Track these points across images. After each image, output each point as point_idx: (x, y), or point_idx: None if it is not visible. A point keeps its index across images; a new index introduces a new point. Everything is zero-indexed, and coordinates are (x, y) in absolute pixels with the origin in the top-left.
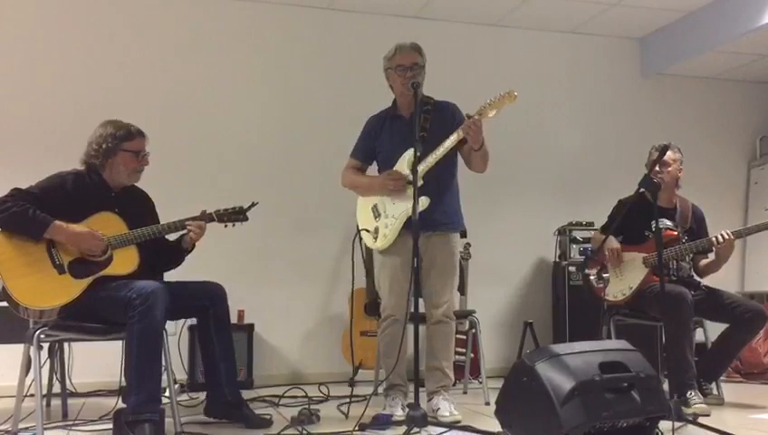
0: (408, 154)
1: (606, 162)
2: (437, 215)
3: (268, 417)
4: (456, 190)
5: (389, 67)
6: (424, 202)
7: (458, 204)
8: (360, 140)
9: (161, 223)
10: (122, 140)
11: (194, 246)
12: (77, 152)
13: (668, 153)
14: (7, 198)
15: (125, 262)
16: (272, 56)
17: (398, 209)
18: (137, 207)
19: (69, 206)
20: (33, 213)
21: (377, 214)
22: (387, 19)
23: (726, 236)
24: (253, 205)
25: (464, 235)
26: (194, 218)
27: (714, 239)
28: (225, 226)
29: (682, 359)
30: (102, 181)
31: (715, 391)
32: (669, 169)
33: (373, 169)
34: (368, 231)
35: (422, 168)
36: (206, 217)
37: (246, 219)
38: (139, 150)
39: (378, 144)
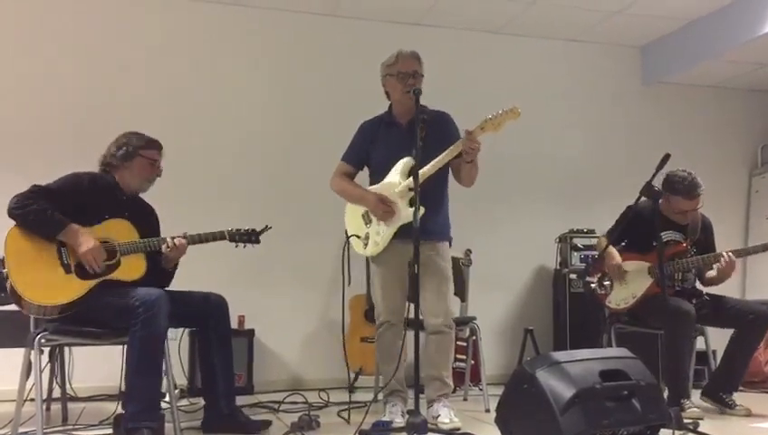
0: (402, 163)
1: (607, 170)
2: (429, 224)
3: (269, 421)
4: (446, 201)
5: (389, 73)
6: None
7: (447, 215)
8: (352, 144)
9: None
10: (141, 148)
11: (176, 265)
12: (79, 154)
13: (699, 200)
14: (28, 194)
15: (132, 269)
16: (274, 62)
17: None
18: (142, 217)
19: (82, 205)
20: (50, 214)
21: (368, 220)
22: (389, 26)
23: (728, 259)
24: (266, 228)
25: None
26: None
27: (715, 258)
28: (237, 246)
29: (680, 371)
30: (116, 184)
31: (738, 402)
32: (695, 211)
33: (364, 174)
34: (358, 237)
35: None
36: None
37: (258, 242)
38: (155, 158)
39: (372, 150)
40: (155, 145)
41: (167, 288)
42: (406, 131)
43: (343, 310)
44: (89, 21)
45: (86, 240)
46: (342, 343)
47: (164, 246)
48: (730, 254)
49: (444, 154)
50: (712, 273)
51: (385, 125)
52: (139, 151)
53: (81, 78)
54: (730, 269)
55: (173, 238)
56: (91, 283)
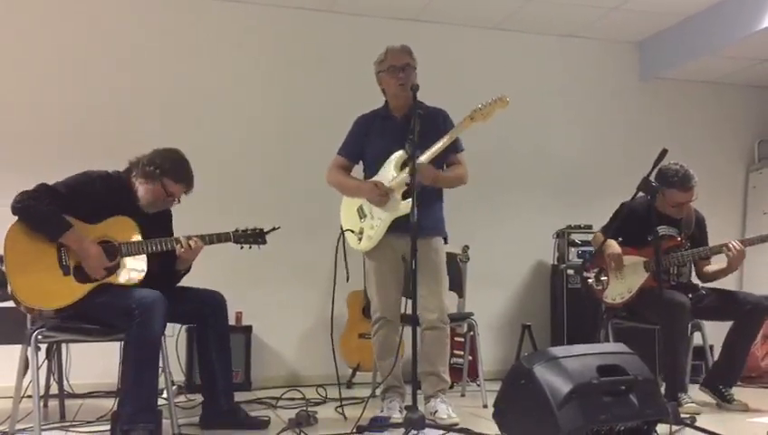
0: (396, 156)
1: (604, 165)
2: (422, 219)
3: (266, 419)
4: (439, 198)
5: (381, 70)
6: (409, 205)
7: (441, 211)
8: (348, 138)
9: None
10: (167, 176)
11: (189, 267)
12: (79, 154)
13: (694, 192)
14: (33, 193)
15: (131, 272)
16: (271, 59)
17: (385, 211)
18: (155, 218)
19: (92, 206)
20: (54, 215)
21: (362, 215)
22: (386, 22)
23: (739, 247)
24: (273, 229)
25: (444, 241)
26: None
27: (725, 248)
28: (242, 247)
29: (676, 364)
30: (130, 189)
31: (736, 397)
32: (690, 204)
33: (359, 169)
34: (352, 232)
35: (408, 171)
36: (211, 239)
37: (265, 242)
38: (173, 193)
39: (366, 144)
40: (183, 181)
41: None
42: (400, 125)
43: (333, 304)
44: (88, 21)
45: (88, 247)
46: (331, 338)
47: (177, 247)
48: (736, 243)
49: (434, 148)
50: (712, 266)
51: (380, 119)
52: (163, 179)
53: (81, 78)
54: (740, 260)
55: (187, 239)
56: (89, 286)
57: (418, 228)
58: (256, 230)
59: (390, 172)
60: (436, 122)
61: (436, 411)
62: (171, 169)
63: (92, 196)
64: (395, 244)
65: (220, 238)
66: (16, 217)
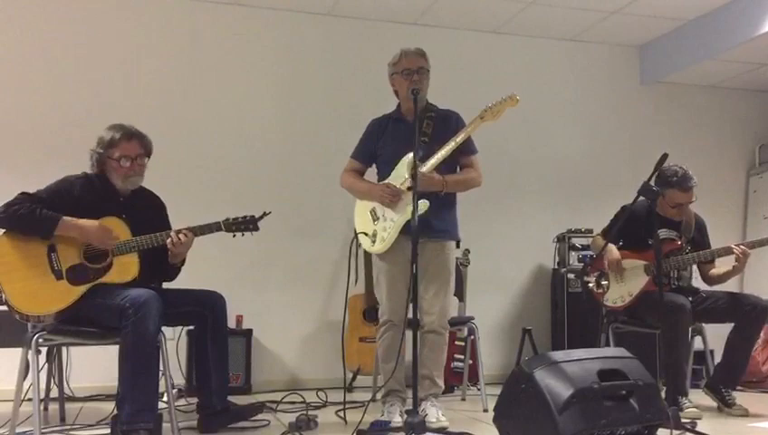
0: (408, 158)
1: (605, 169)
2: (434, 222)
3: (260, 404)
4: (453, 201)
5: (395, 72)
6: (423, 205)
7: (455, 215)
8: (361, 141)
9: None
10: (107, 148)
11: (183, 260)
12: (78, 156)
13: (693, 192)
14: (14, 201)
15: (124, 270)
16: (273, 62)
17: (398, 213)
18: (146, 213)
19: (76, 210)
20: (40, 212)
21: (375, 217)
22: (387, 25)
23: (744, 249)
24: (264, 214)
25: (457, 245)
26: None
27: (725, 251)
28: (234, 235)
29: (677, 367)
30: (111, 185)
31: (737, 402)
32: (689, 208)
33: (372, 171)
34: (366, 234)
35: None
36: (201, 230)
37: (257, 229)
38: (122, 156)
39: (379, 147)
40: (124, 138)
41: (167, 286)
42: (412, 127)
43: (345, 309)
44: (88, 21)
45: (86, 225)
46: (341, 343)
47: (168, 241)
48: (742, 247)
49: (445, 149)
50: (719, 269)
51: (393, 121)
52: (107, 154)
53: (82, 78)
54: (745, 261)
55: (177, 233)
56: (83, 288)
57: (434, 231)
58: (247, 217)
59: (403, 174)
60: (449, 124)
61: (425, 415)
62: (107, 140)
63: (74, 200)
64: (407, 247)
65: (210, 228)
66: (2, 230)
